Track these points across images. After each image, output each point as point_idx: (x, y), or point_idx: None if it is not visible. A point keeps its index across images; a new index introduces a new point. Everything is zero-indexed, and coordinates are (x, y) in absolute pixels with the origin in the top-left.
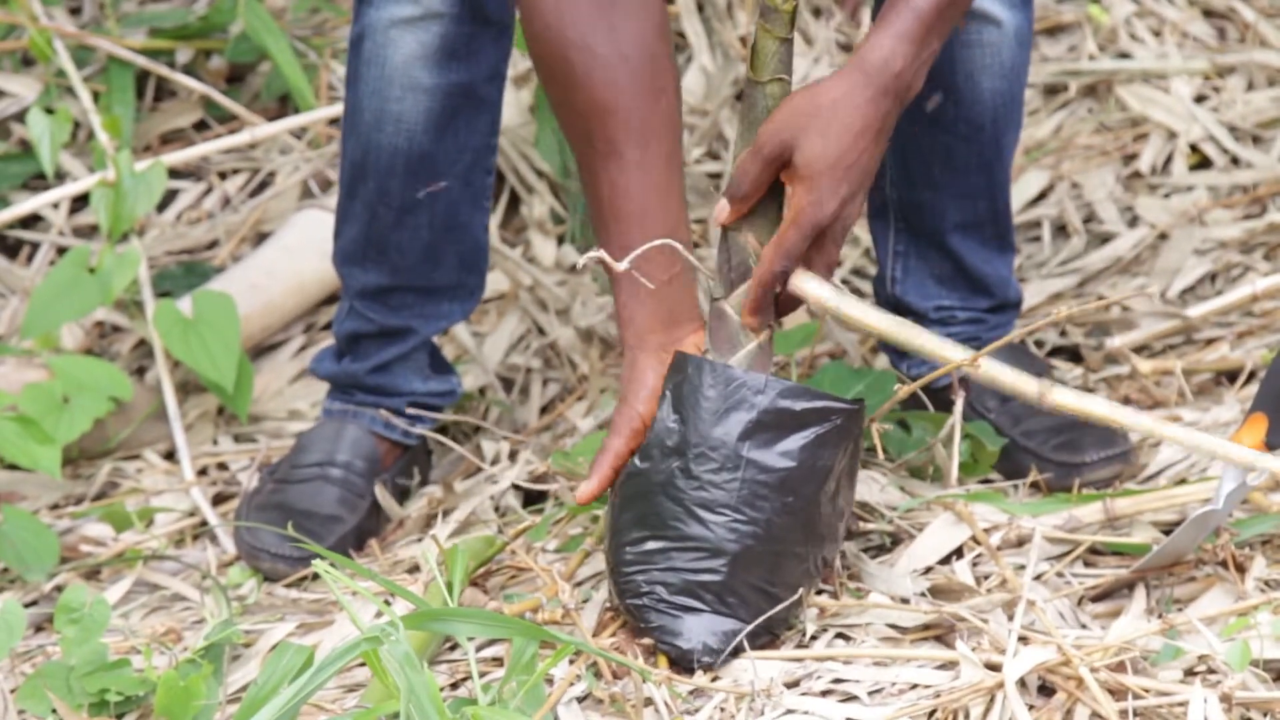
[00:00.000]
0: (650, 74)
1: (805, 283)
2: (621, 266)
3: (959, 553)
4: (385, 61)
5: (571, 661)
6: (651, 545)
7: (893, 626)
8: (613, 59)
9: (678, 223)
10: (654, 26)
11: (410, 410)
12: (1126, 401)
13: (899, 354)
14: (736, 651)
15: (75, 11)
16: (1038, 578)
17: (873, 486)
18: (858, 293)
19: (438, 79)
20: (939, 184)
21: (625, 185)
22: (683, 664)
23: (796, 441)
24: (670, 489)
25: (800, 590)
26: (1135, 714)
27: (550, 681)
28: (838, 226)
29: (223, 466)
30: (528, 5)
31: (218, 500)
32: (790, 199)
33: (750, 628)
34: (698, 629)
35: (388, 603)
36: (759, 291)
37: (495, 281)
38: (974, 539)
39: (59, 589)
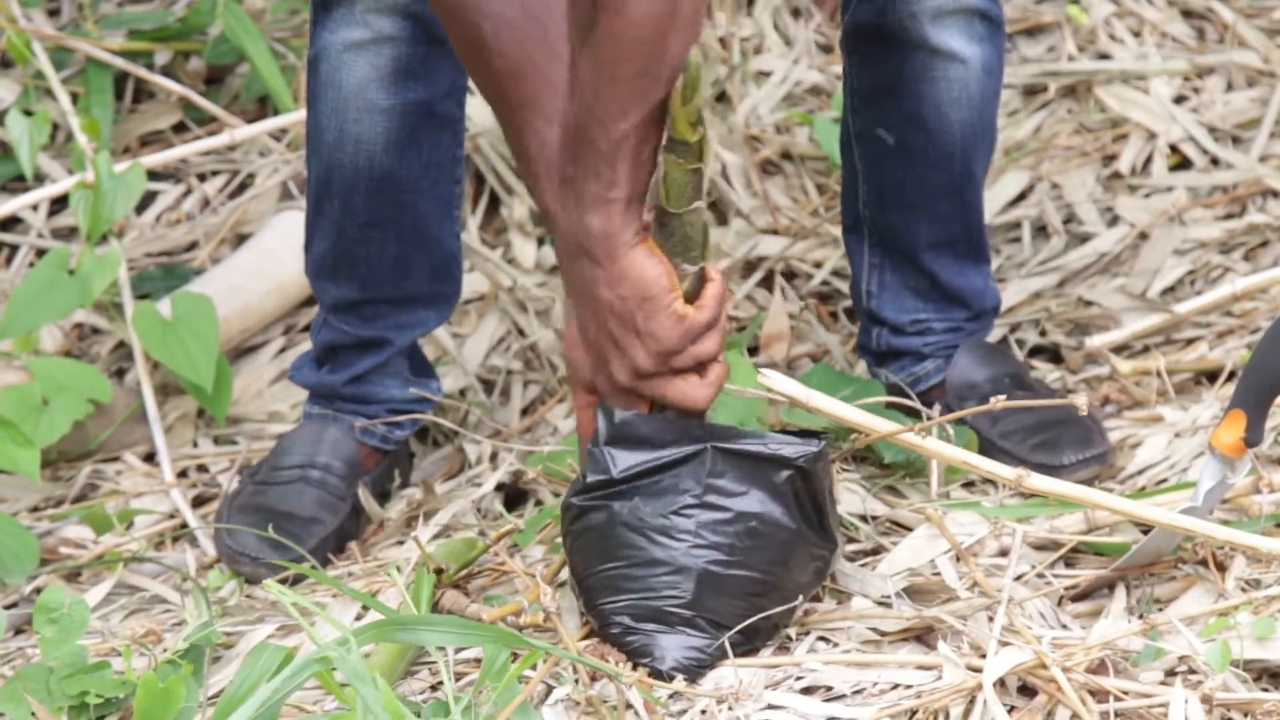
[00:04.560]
0: (555, 31)
1: (776, 382)
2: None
3: (944, 553)
4: (341, 84)
5: (543, 662)
6: (614, 571)
7: (874, 630)
8: (518, 19)
9: None
10: None
11: (390, 416)
12: (1106, 402)
13: (878, 361)
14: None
15: (54, 13)
16: (1018, 578)
17: (854, 497)
18: (838, 293)
19: (394, 99)
20: (911, 206)
21: (545, 134)
22: (662, 680)
23: (763, 473)
24: (628, 518)
25: (775, 610)
26: (1116, 715)
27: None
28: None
29: (203, 468)
30: None
31: (198, 502)
32: None
33: (724, 638)
34: (672, 648)
35: (366, 608)
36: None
37: (475, 283)
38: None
39: (38, 591)
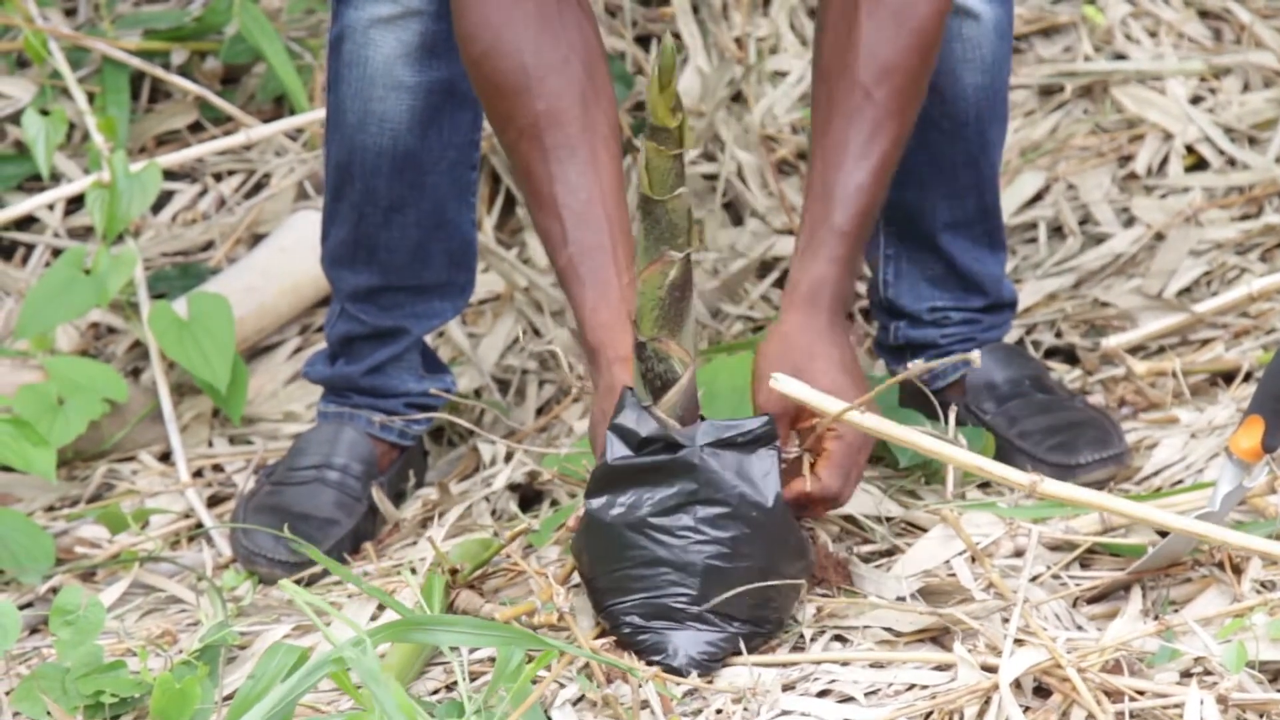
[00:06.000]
0: (595, 79)
1: (788, 385)
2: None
3: (959, 554)
4: (366, 62)
5: (556, 661)
6: (619, 572)
7: (889, 630)
8: (563, 66)
9: (626, 219)
10: (593, 33)
11: (407, 410)
12: (1122, 404)
13: (895, 358)
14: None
15: (70, 13)
16: (1034, 579)
17: (869, 498)
18: (853, 294)
19: (420, 76)
20: (926, 183)
21: (575, 182)
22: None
23: (749, 464)
24: (629, 518)
25: (789, 591)
26: (1131, 716)
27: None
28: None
29: (218, 468)
30: (468, 28)
31: (213, 502)
32: (827, 435)
33: (736, 630)
34: (685, 644)
35: (381, 609)
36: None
37: (490, 283)
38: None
39: (54, 591)
